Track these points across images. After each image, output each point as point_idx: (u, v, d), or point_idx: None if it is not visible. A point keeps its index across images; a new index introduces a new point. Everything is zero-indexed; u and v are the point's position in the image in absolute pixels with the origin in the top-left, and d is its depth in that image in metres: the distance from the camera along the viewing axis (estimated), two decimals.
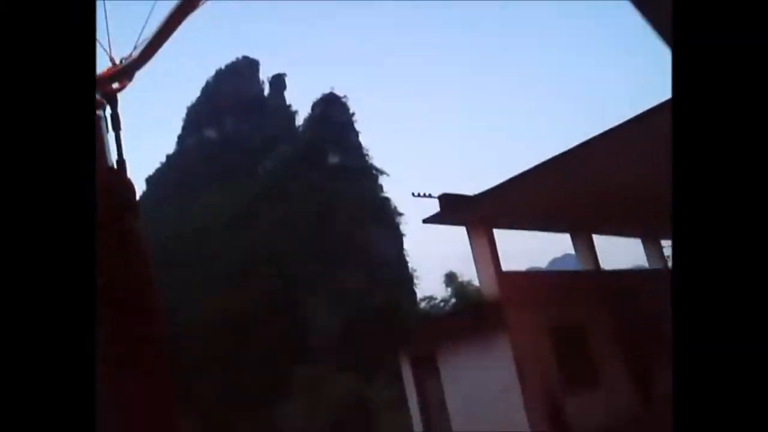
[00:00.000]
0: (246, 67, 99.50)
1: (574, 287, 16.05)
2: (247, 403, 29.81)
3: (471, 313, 15.44)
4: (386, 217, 63.89)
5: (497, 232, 14.99)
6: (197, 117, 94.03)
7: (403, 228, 64.27)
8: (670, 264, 23.32)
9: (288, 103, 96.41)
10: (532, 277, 16.15)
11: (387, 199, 67.04)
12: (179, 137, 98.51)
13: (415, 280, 57.03)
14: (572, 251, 18.82)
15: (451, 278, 34.07)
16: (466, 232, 15.04)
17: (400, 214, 65.44)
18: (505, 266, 14.75)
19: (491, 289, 14.28)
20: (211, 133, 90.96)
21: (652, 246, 21.49)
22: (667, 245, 23.60)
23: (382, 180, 69.75)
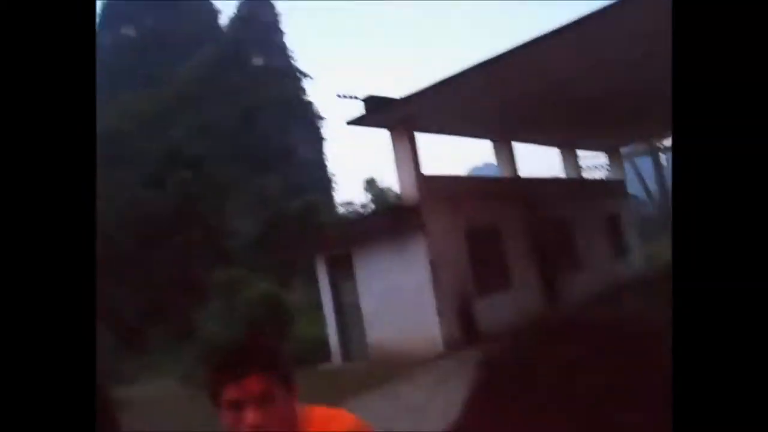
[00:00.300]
0: None
1: (492, 193, 16.24)
2: (163, 306, 29.47)
3: (388, 215, 15.42)
4: (308, 120, 63.18)
5: (421, 139, 14.98)
6: (114, 13, 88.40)
7: (324, 132, 64.09)
8: (584, 174, 24.03)
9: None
10: (451, 180, 16.13)
11: (310, 103, 66.11)
12: None
13: (335, 185, 57.47)
14: (493, 161, 19.01)
15: (370, 184, 34.07)
16: (389, 137, 14.90)
17: (322, 118, 65.10)
18: (426, 173, 14.76)
19: (410, 191, 14.29)
20: (128, 30, 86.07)
21: (568, 156, 21.98)
22: (583, 156, 24.17)
23: (306, 83, 68.71)
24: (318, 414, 1.65)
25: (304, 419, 1.60)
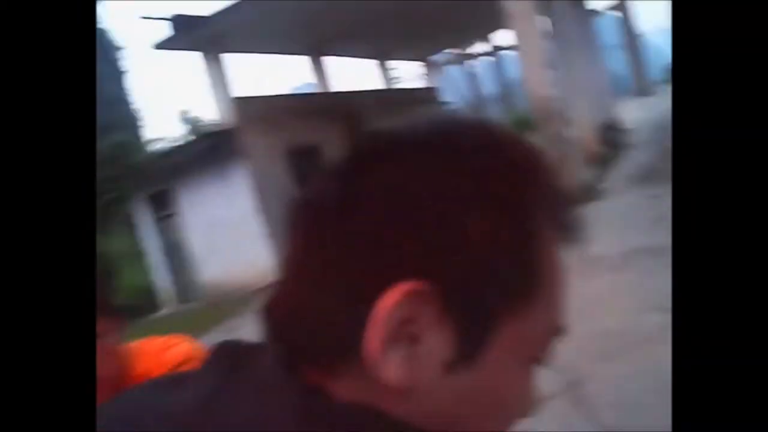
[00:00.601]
0: None
1: (310, 110, 15.93)
2: None
3: (205, 143, 14.60)
4: (106, 51, 58.15)
5: (235, 59, 14.35)
6: None
7: (126, 63, 59.80)
8: (399, 84, 24.43)
9: None
10: (266, 101, 15.58)
11: (105, 31, 60.79)
12: None
13: (145, 120, 54.24)
14: (311, 80, 18.67)
15: (185, 115, 32.36)
16: (201, 59, 14.08)
17: (122, 47, 60.33)
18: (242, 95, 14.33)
19: (226, 116, 13.67)
20: None
21: (383, 67, 22.14)
22: (397, 66, 24.41)
23: (100, 7, 63.08)
24: (151, 346, 1.48)
25: (136, 354, 1.44)
